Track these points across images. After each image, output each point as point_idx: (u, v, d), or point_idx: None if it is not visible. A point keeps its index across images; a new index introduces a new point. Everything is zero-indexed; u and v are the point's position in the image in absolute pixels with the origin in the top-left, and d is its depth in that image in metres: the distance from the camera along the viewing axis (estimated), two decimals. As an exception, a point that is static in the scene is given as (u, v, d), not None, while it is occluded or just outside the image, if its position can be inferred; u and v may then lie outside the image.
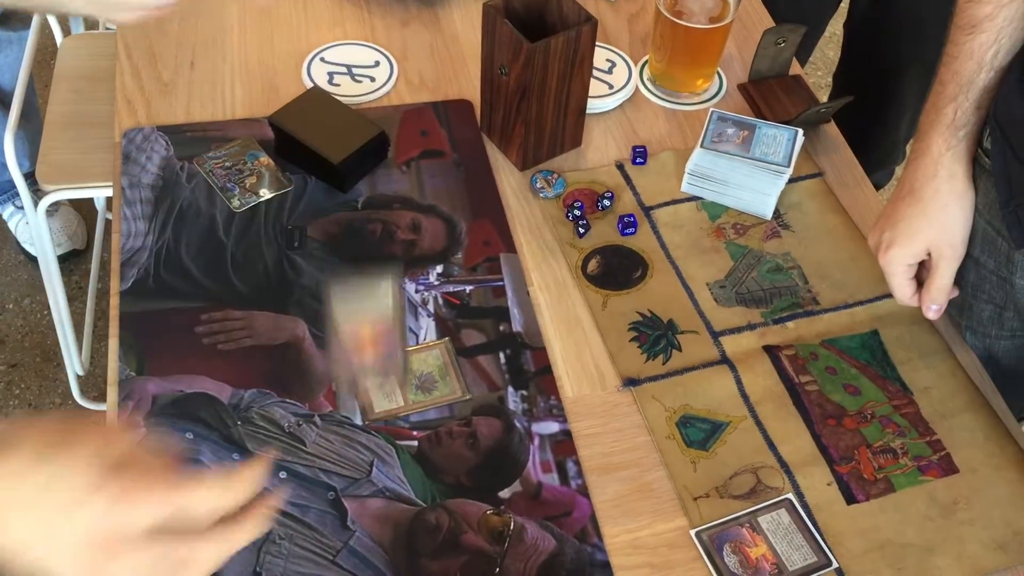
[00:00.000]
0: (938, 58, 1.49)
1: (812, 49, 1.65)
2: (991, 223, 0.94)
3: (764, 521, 0.85)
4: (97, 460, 0.54)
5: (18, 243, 2.08)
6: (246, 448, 0.87)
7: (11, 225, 2.07)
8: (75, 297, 2.00)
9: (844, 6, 1.63)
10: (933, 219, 0.92)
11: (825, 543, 0.84)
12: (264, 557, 0.81)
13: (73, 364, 1.79)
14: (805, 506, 0.86)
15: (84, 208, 2.11)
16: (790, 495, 0.87)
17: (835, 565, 0.83)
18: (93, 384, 1.89)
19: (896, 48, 1.49)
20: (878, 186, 1.74)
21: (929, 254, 0.93)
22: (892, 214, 0.94)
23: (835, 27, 1.66)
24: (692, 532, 0.84)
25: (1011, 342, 1.02)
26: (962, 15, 0.90)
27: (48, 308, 1.97)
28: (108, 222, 2.03)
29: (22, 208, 2.03)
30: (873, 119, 1.56)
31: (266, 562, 0.81)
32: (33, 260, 2.05)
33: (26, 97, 1.56)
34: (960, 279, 0.98)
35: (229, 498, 0.57)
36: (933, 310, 0.94)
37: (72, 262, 2.06)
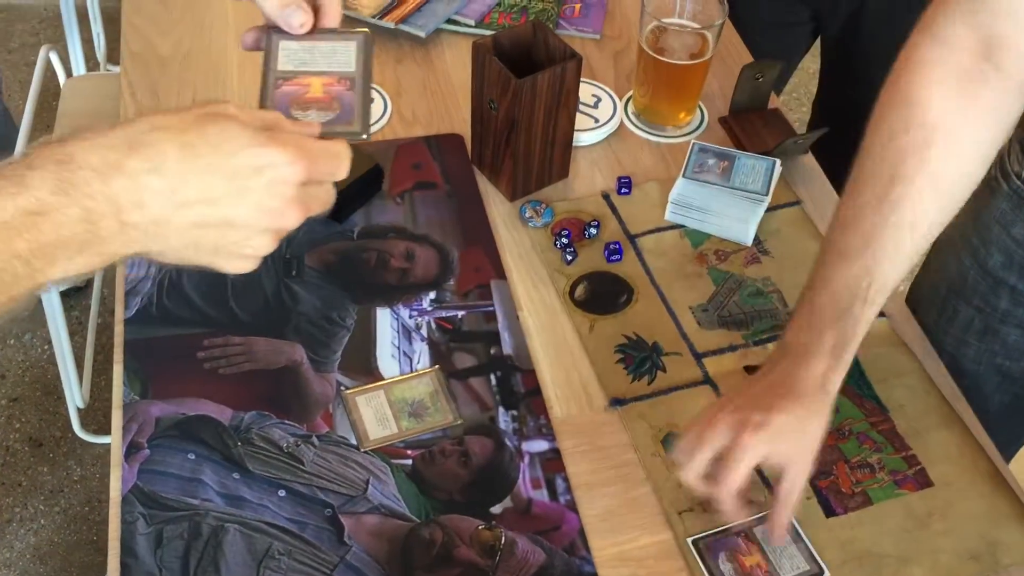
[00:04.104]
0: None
1: (786, 82, 1.70)
2: (1017, 240, 0.96)
3: (759, 531, 0.88)
4: (248, 127, 0.58)
5: (19, 280, 2.11)
6: (247, 468, 0.90)
7: (13, 262, 2.11)
8: (75, 332, 2.03)
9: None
10: (806, 431, 0.82)
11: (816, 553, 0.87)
12: (264, 572, 0.84)
13: (74, 397, 1.82)
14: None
15: (84, 245, 2.15)
16: None
17: (827, 574, 0.86)
18: (93, 418, 1.92)
19: (865, 83, 1.54)
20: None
21: (778, 462, 0.82)
22: (764, 400, 0.83)
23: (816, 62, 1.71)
24: (688, 540, 0.87)
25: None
26: (832, 243, 0.86)
27: (48, 343, 2.01)
28: (108, 258, 2.06)
29: (24, 245, 2.06)
30: (847, 150, 1.61)
31: (266, 576, 0.84)
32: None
33: (9, 137, 1.59)
34: (987, 306, 1.01)
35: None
36: (778, 537, 0.85)
37: (73, 298, 2.10)
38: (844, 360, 0.84)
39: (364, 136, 0.68)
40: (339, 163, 0.63)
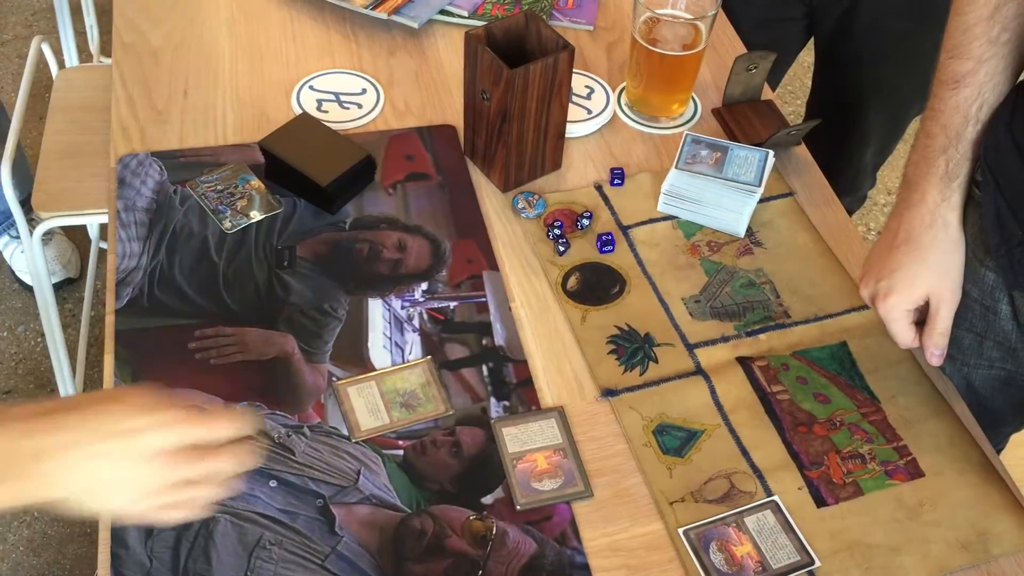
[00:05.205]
0: (895, 92, 1.55)
1: (782, 76, 1.70)
2: (976, 253, 0.96)
3: (750, 521, 0.88)
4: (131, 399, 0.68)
5: (12, 272, 2.11)
6: (237, 458, 0.90)
7: (6, 255, 2.11)
8: (68, 324, 2.03)
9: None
10: (933, 265, 0.93)
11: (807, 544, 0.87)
12: (255, 562, 0.84)
13: (67, 390, 1.82)
14: (778, 509, 0.89)
15: (77, 238, 2.15)
16: (776, 498, 0.90)
17: (817, 564, 0.86)
18: (86, 410, 1.91)
19: (857, 81, 1.55)
20: (851, 211, 1.79)
21: (927, 300, 0.94)
22: (886, 263, 0.94)
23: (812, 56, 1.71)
24: (680, 530, 0.88)
25: (989, 372, 1.04)
26: (944, 71, 0.92)
27: (41, 335, 2.00)
28: (101, 251, 2.06)
29: (17, 238, 2.06)
30: (840, 146, 1.61)
31: (257, 567, 0.83)
32: (27, 288, 2.08)
33: (1, 129, 1.58)
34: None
35: (235, 428, 0.70)
36: (936, 355, 0.95)
37: (66, 290, 2.09)
38: (957, 185, 0.92)
39: (589, 495, 0.89)
40: (221, 426, 0.69)
